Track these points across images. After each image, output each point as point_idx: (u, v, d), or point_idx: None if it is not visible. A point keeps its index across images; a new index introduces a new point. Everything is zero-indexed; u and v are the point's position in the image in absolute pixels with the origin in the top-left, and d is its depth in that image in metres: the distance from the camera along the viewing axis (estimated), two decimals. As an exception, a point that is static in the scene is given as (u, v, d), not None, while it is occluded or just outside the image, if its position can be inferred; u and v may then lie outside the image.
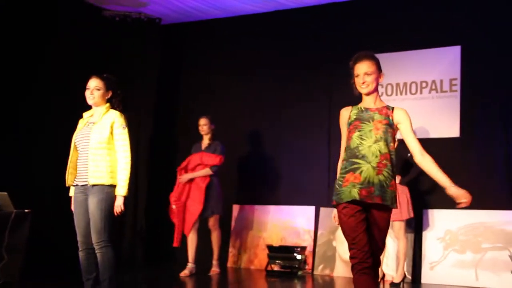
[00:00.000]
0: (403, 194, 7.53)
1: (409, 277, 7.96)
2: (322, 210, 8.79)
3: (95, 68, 8.47)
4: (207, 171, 8.06)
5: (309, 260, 8.69)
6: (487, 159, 8.03)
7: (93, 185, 5.14)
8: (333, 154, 8.71)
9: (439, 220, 8.06)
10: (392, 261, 7.89)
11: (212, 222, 8.29)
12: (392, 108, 4.29)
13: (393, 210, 7.43)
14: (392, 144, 4.20)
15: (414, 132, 4.29)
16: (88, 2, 8.95)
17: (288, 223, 9.05)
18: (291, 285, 7.95)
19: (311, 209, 8.92)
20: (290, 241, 8.90)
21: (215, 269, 8.31)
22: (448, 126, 8.26)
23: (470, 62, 8.15)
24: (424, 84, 8.47)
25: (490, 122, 8.05)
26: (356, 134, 4.18)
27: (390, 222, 7.55)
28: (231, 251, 9.30)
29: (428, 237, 8.08)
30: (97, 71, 8.15)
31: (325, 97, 9.10)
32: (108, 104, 5.33)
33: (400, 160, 7.36)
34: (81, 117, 5.43)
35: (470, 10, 8.15)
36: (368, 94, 4.26)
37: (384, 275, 7.64)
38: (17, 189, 7.40)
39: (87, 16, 9.09)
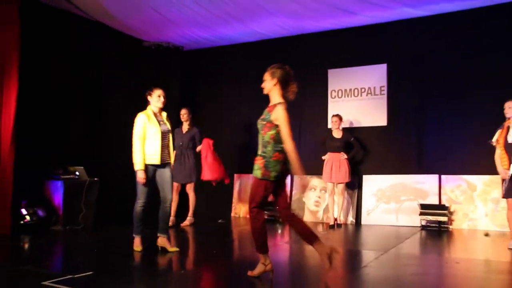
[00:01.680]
0: (344, 165, 8.08)
1: (353, 220, 8.57)
2: (295, 177, 9.17)
3: (139, 81, 9.07)
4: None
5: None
6: (404, 140, 8.53)
7: (169, 163, 5.65)
8: (302, 137, 9.20)
9: (373, 182, 8.64)
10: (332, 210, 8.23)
11: (188, 187, 8.14)
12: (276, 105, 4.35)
13: (338, 175, 8.19)
14: (262, 132, 4.38)
15: (286, 125, 4.29)
16: (132, 35, 9.28)
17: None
18: (274, 228, 8.03)
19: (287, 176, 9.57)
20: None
21: (186, 222, 8.12)
22: (379, 118, 8.72)
23: (393, 75, 8.67)
24: (363, 90, 8.90)
25: (406, 115, 8.54)
26: None
27: (335, 184, 8.29)
28: (233, 206, 9.66)
29: (366, 193, 8.66)
30: (140, 84, 8.82)
31: (296, 99, 9.33)
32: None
33: (344, 142, 8.26)
34: (135, 111, 5.57)
35: (393, 40, 8.63)
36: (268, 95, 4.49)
37: (335, 219, 8.11)
38: (89, 164, 7.95)
39: (130, 45, 9.38)
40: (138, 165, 5.45)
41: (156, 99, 5.65)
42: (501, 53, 7.88)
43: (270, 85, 4.53)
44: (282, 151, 4.34)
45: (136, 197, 5.58)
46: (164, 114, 5.78)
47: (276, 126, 4.35)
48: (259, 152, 4.40)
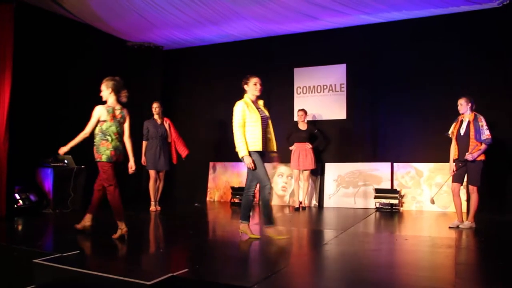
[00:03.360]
0: (310, 154, 8.14)
1: (316, 203, 8.61)
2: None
3: (123, 78, 9.01)
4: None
5: (257, 195, 8.62)
6: (361, 132, 8.61)
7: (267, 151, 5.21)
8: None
9: (334, 169, 8.69)
10: (301, 195, 8.28)
11: (162, 175, 7.94)
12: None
13: (305, 163, 8.24)
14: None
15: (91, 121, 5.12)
16: (117, 36, 9.21)
17: (244, 172, 8.94)
18: None
19: (257, 164, 9.56)
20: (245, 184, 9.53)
21: (153, 208, 7.79)
22: (339, 112, 8.76)
23: (351, 74, 8.74)
24: (325, 86, 8.92)
25: (363, 110, 8.63)
26: None
27: (301, 171, 8.30)
28: (209, 190, 9.62)
29: (327, 179, 8.71)
30: (124, 80, 8.62)
31: (265, 95, 9.07)
32: None
33: (309, 133, 8.36)
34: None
35: (352, 43, 8.67)
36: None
37: (300, 202, 8.16)
38: (77, 153, 7.39)
39: (115, 45, 9.31)
40: (243, 151, 4.97)
41: (253, 87, 5.17)
42: (444, 55, 8.05)
43: (107, 93, 5.24)
44: (109, 141, 5.12)
45: (261, 183, 5.05)
46: (260, 102, 5.30)
47: (103, 121, 5.14)
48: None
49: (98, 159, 5.15)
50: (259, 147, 5.03)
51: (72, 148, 7.63)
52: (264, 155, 5.16)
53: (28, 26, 7.41)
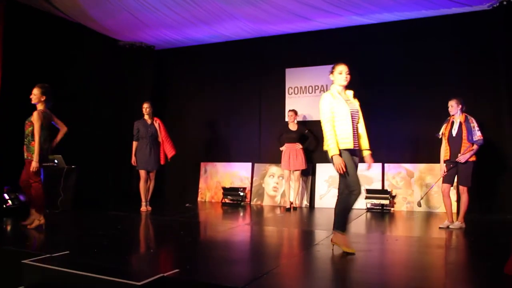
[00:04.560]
0: (300, 154, 8.15)
1: (307, 204, 8.60)
2: (256, 165, 9.27)
3: (114, 77, 9.00)
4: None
5: (248, 196, 9.11)
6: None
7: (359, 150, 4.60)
8: (262, 132, 9.31)
9: (325, 169, 8.64)
10: (293, 195, 8.34)
11: (152, 175, 7.92)
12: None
13: (296, 163, 8.25)
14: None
15: (36, 125, 5.62)
16: (108, 35, 9.18)
17: (235, 173, 9.42)
18: (237, 211, 8.08)
19: (249, 164, 9.33)
20: (236, 184, 9.27)
21: (144, 208, 7.78)
22: None
23: None
24: (316, 87, 8.93)
25: None
26: None
27: (292, 171, 8.36)
28: (200, 191, 9.59)
29: (319, 180, 8.70)
30: (116, 79, 8.59)
31: (256, 95, 9.42)
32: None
33: (299, 134, 8.35)
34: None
35: (343, 44, 8.65)
36: None
37: (291, 203, 8.19)
38: (68, 153, 7.73)
39: (107, 45, 9.27)
40: (333, 150, 4.32)
41: (338, 76, 4.55)
42: (435, 56, 8.10)
43: (39, 98, 5.80)
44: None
45: (348, 188, 4.44)
46: (349, 92, 4.67)
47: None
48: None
49: (29, 157, 5.71)
50: (350, 145, 4.39)
51: (60, 149, 7.84)
52: (356, 153, 4.54)
53: (19, 25, 7.37)
